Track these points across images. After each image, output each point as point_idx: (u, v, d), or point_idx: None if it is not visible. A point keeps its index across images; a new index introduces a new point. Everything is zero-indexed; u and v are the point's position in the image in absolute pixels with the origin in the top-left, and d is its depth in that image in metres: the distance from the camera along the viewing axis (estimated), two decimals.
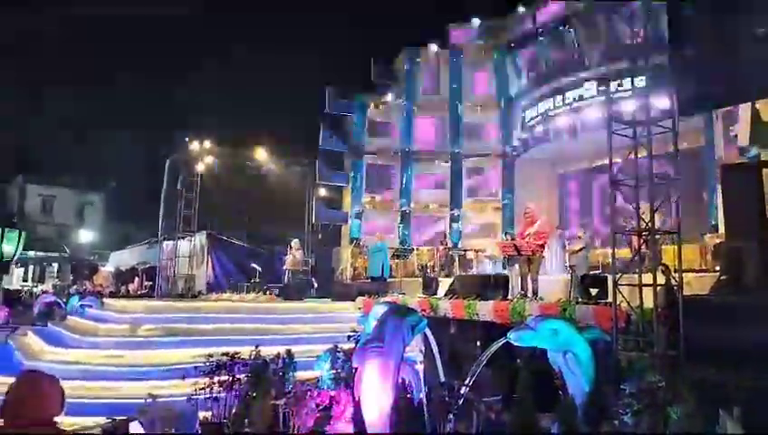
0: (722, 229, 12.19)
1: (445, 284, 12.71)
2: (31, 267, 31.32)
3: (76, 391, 6.43)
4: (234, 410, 5.26)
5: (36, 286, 27.63)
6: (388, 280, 15.28)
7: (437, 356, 5.85)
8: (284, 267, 16.75)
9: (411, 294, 12.58)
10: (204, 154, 20.28)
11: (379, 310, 5.96)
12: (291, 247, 16.67)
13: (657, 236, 7.86)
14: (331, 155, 23.82)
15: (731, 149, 13.29)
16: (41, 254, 30.29)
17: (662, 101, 8.94)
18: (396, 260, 17.76)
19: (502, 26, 23.15)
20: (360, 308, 12.18)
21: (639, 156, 7.84)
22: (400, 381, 5.10)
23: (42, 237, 33.21)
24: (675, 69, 7.75)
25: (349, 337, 6.77)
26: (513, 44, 22.13)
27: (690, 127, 14.07)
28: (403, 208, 23.49)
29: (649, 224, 7.46)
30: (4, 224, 5.90)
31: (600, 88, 16.64)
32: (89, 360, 8.45)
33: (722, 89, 7.35)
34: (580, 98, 17.82)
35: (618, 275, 7.45)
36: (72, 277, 29.38)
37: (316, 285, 16.40)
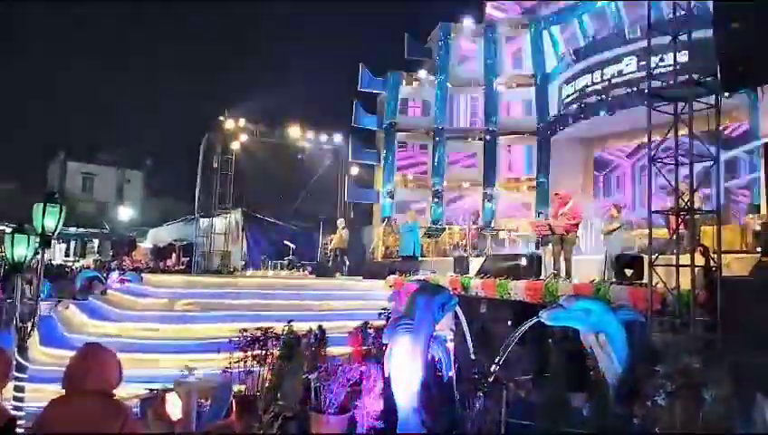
0: (764, 210, 11.78)
1: (476, 263, 12.65)
2: (72, 243, 32.27)
3: None
4: (267, 384, 5.37)
5: (77, 261, 28.49)
6: (420, 259, 15.29)
7: (468, 334, 5.84)
8: (331, 246, 16.94)
9: (442, 273, 12.57)
10: (239, 132, 20.50)
11: (409, 288, 5.97)
12: (337, 226, 16.90)
13: (697, 217, 7.66)
14: (363, 133, 23.82)
15: None
16: (82, 230, 31.13)
17: (704, 77, 8.62)
18: (428, 239, 17.74)
19: (539, 0, 22.62)
20: (391, 286, 12.23)
21: (680, 134, 7.61)
22: (430, 358, 5.13)
23: (82, 214, 34.13)
24: (719, 43, 7.44)
25: (379, 314, 6.82)
26: (550, 19, 21.61)
27: (733, 104, 13.59)
28: (435, 187, 23.37)
29: (689, 203, 7.27)
30: (46, 199, 6.06)
31: (641, 63, 16.15)
32: (128, 333, 8.71)
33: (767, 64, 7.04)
34: (620, 73, 17.33)
35: (654, 256, 7.30)
36: (111, 253, 30.21)
37: (348, 263, 16.53)
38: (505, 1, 24.08)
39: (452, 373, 5.37)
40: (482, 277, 10.74)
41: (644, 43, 9.33)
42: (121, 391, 2.99)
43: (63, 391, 2.86)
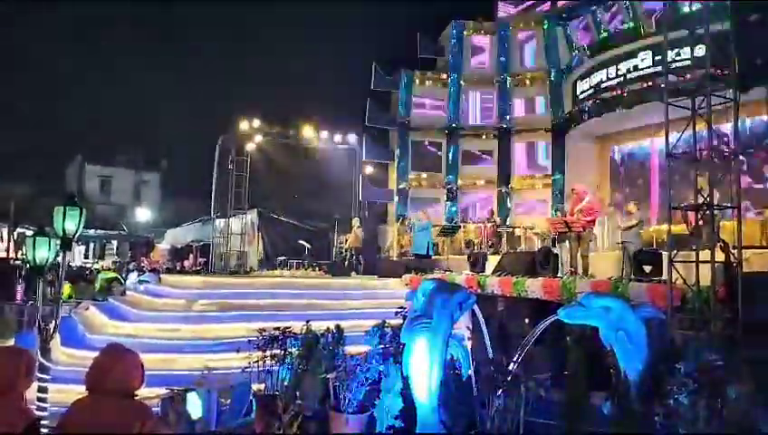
0: None
1: (492, 261, 12.61)
2: (92, 245, 32.66)
3: None
4: (286, 383, 5.39)
5: (96, 263, 28.82)
6: (434, 257, 15.27)
7: (486, 333, 5.83)
8: (346, 246, 17.01)
9: (458, 272, 12.55)
10: (253, 133, 20.62)
11: (426, 287, 5.97)
12: (352, 226, 16.97)
13: (716, 212, 7.59)
14: (377, 132, 23.83)
15: None
16: (100, 232, 31.48)
17: (722, 71, 8.53)
18: (442, 237, 17.71)
19: None
20: (407, 285, 12.24)
21: (698, 128, 7.54)
22: (448, 357, 5.12)
23: (101, 216, 34.52)
24: (737, 37, 7.36)
25: (396, 313, 6.81)
26: (564, 14, 21.45)
27: (752, 98, 13.40)
28: (450, 185, 23.33)
29: (708, 199, 7.20)
30: (66, 202, 6.14)
31: (656, 58, 15.99)
32: (147, 333, 8.81)
33: None
34: (635, 69, 17.17)
35: (673, 252, 7.24)
36: (130, 254, 30.52)
37: (363, 262, 16.56)
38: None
39: (470, 372, 5.37)
40: (498, 275, 10.71)
41: (660, 38, 9.27)
42: (142, 391, 3.03)
43: (86, 391, 2.89)
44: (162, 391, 5.89)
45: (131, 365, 2.93)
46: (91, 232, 29.02)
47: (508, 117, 23.08)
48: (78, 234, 6.37)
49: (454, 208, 23.15)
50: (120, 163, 41.34)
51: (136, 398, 2.93)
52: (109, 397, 2.80)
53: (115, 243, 33.41)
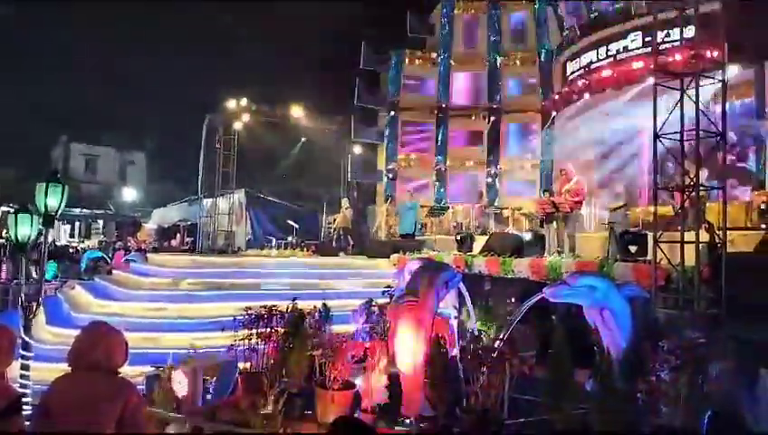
0: None
1: (480, 241, 12.65)
2: (77, 224, 32.41)
3: None
4: (272, 361, 5.39)
5: (82, 242, 28.62)
6: (422, 237, 15.30)
7: (472, 311, 5.86)
8: (335, 226, 16.97)
9: (446, 252, 12.58)
10: (240, 112, 20.39)
11: (413, 266, 5.97)
12: (341, 206, 16.92)
13: (702, 193, 7.63)
14: (366, 112, 23.63)
15: None
16: (86, 211, 31.25)
17: (711, 52, 8.53)
18: (431, 218, 17.73)
19: None
20: (394, 265, 12.26)
21: (686, 109, 7.54)
22: (434, 335, 5.14)
23: (86, 196, 34.21)
24: (726, 17, 7.35)
25: (383, 292, 6.83)
26: None
27: (740, 79, 13.42)
28: (439, 166, 23.30)
29: (694, 180, 7.23)
30: (48, 178, 6.04)
31: (646, 38, 15.95)
32: (134, 312, 8.80)
33: None
34: (625, 49, 17.12)
35: (659, 233, 7.29)
36: (116, 234, 30.34)
37: (351, 242, 16.56)
38: None
39: (456, 350, 5.40)
40: (486, 255, 10.75)
41: (649, 19, 9.24)
42: (127, 370, 3.02)
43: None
44: (148, 369, 5.89)
45: (114, 342, 2.91)
46: (77, 211, 28.78)
47: (498, 97, 23.00)
48: (60, 211, 6.28)
49: (442, 189, 23.14)
50: (105, 142, 40.88)
51: (120, 375, 2.92)
52: (92, 374, 2.78)
53: (101, 222, 33.19)
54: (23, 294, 6.58)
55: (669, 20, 8.87)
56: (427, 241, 14.98)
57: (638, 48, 16.59)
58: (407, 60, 23.72)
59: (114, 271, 12.43)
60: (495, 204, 19.94)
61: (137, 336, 7.45)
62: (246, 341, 5.43)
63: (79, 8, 39.45)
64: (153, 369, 5.79)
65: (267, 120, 21.45)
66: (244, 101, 20.37)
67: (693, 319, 6.16)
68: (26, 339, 5.61)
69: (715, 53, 8.30)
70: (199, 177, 20.81)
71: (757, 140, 14.79)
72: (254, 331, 5.44)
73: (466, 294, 6.19)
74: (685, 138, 7.39)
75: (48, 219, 6.05)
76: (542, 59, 22.18)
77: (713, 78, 7.58)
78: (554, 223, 10.85)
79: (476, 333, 5.14)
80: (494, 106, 22.93)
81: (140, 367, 5.90)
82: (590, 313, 5.14)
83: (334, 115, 23.15)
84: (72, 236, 31.34)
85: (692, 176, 7.27)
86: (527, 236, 11.70)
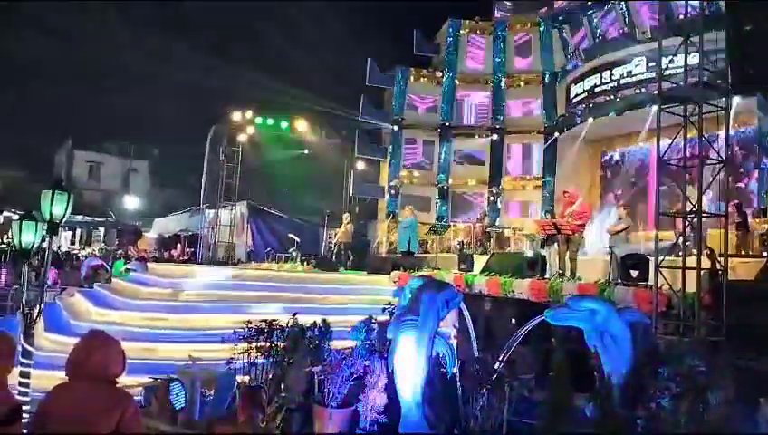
0: None
1: (481, 261, 12.64)
2: (78, 231, 32.41)
3: None
4: (271, 376, 5.38)
5: (83, 249, 28.61)
6: (421, 255, 15.30)
7: (472, 331, 5.85)
8: (335, 240, 16.98)
9: (447, 270, 12.57)
10: (245, 125, 20.51)
11: (414, 284, 5.97)
12: (342, 221, 16.94)
13: (704, 220, 7.65)
14: (370, 128, 23.77)
15: None
16: (87, 218, 31.24)
17: (715, 79, 8.60)
18: (432, 236, 17.73)
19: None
20: (395, 282, 12.24)
21: (689, 136, 7.59)
22: (434, 354, 5.13)
23: (88, 202, 34.25)
24: (731, 45, 7.42)
25: (384, 309, 6.81)
26: (560, 17, 21.52)
27: (743, 107, 13.52)
28: (441, 184, 23.36)
29: (696, 206, 7.26)
30: (54, 186, 6.06)
31: (650, 64, 16.09)
32: (133, 321, 8.75)
33: None
34: (629, 74, 17.26)
35: (660, 258, 7.29)
36: (117, 242, 30.32)
37: (352, 257, 16.55)
38: (514, 1, 24.04)
39: (455, 370, 5.38)
40: (486, 275, 10.74)
41: (654, 44, 9.32)
42: (125, 380, 3.02)
43: (66, 377, 2.87)
44: (146, 379, 5.86)
45: (112, 352, 2.90)
46: (78, 218, 28.79)
47: (501, 118, 23.13)
48: (65, 219, 6.30)
49: (444, 207, 23.18)
50: (109, 150, 41.00)
51: (117, 385, 2.92)
52: (89, 383, 2.78)
53: (102, 230, 33.17)
54: (23, 301, 6.57)
55: (674, 46, 8.94)
56: (428, 259, 14.97)
57: (641, 74, 16.73)
58: (412, 77, 23.89)
59: (114, 279, 12.42)
60: (497, 223, 19.95)
61: (135, 346, 7.43)
62: (246, 354, 5.42)
63: (86, 12, 39.86)
64: (151, 380, 5.77)
65: (272, 133, 21.56)
66: (249, 114, 20.49)
67: (693, 346, 6.15)
68: (26, 346, 5.59)
69: (719, 81, 8.38)
70: (202, 187, 20.88)
71: (758, 167, 14.87)
72: (253, 344, 5.44)
73: (467, 313, 6.19)
74: (688, 164, 7.44)
75: (53, 227, 6.07)
76: (546, 81, 22.33)
77: (716, 105, 7.63)
78: (555, 245, 10.85)
79: (476, 354, 5.13)
80: (498, 126, 23.05)
81: (138, 377, 5.88)
82: (590, 337, 5.13)
83: (338, 130, 23.28)
84: (72, 243, 31.34)
85: (694, 202, 7.30)
86: (528, 257, 11.68)
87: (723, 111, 7.63)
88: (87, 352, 2.84)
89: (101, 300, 10.27)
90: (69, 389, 2.81)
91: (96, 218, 32.33)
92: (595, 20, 19.77)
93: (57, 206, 6.07)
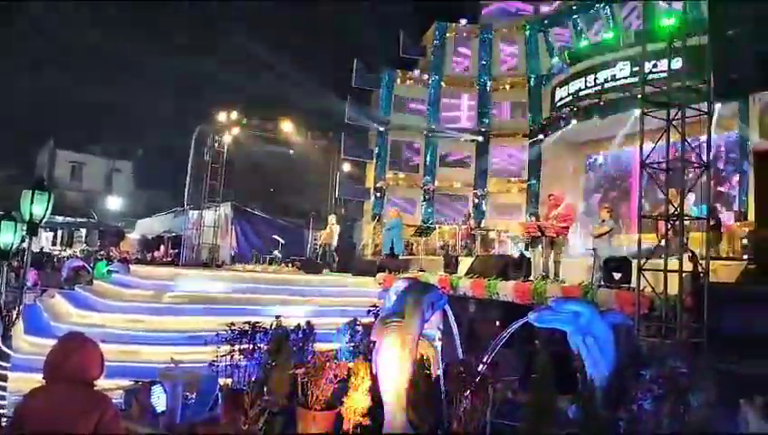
0: (752, 217, 11.90)
1: (466, 263, 12.68)
2: (60, 232, 32.01)
3: None
4: (254, 378, 5.33)
5: (65, 250, 28.26)
6: (407, 257, 15.29)
7: (456, 334, 5.84)
8: (321, 241, 16.93)
9: (432, 272, 12.59)
10: (231, 125, 20.39)
11: (399, 286, 5.96)
12: (328, 223, 16.91)
13: (686, 223, 7.73)
14: (356, 130, 23.76)
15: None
16: (69, 219, 30.88)
17: (698, 84, 8.71)
18: (418, 238, 17.75)
19: (535, 2, 22.74)
20: (380, 283, 12.23)
21: (672, 140, 7.67)
22: (418, 356, 5.11)
23: (70, 203, 33.86)
24: (713, 50, 7.51)
25: (368, 311, 6.79)
26: (546, 21, 21.67)
27: (725, 112, 13.68)
28: (427, 186, 23.41)
29: (678, 209, 7.33)
30: (35, 186, 5.98)
31: (634, 69, 16.24)
32: (114, 323, 8.67)
33: (760, 73, 7.12)
34: (613, 78, 17.40)
35: (643, 261, 7.35)
36: (99, 243, 29.99)
37: (337, 259, 16.52)
38: (499, 3, 24.18)
39: (439, 372, 5.37)
40: (471, 277, 10.77)
41: (638, 49, 9.43)
42: (106, 383, 2.98)
43: (43, 380, 2.83)
44: (127, 382, 5.80)
45: (90, 354, 2.87)
46: (60, 219, 28.43)
47: (487, 120, 23.24)
48: (45, 219, 6.22)
49: (430, 209, 23.23)
50: (92, 150, 40.56)
51: (96, 388, 2.88)
52: (67, 386, 2.74)
53: (84, 231, 32.81)
54: (2, 302, 6.48)
55: (658, 51, 9.03)
56: (413, 261, 14.98)
57: (625, 78, 16.88)
58: (398, 80, 23.93)
59: (96, 281, 12.28)
60: (482, 225, 20.02)
61: (116, 349, 7.35)
62: (228, 357, 5.37)
63: (72, 9, 39.41)
64: (132, 382, 5.70)
65: (257, 133, 21.45)
66: (234, 114, 20.38)
67: (675, 348, 6.20)
68: (4, 349, 5.50)
69: (701, 86, 8.47)
70: (186, 188, 20.71)
71: (740, 170, 15.06)
72: (236, 347, 5.39)
73: (452, 315, 6.18)
74: (670, 167, 7.52)
75: (33, 227, 5.99)
76: (532, 84, 22.47)
77: (698, 110, 7.72)
78: (540, 247, 10.90)
79: (460, 356, 5.13)
80: (483, 129, 23.16)
81: (119, 380, 5.82)
82: (573, 339, 5.15)
83: (324, 131, 23.24)
84: (54, 244, 30.94)
85: (676, 205, 7.37)
86: (513, 259, 11.73)
87: (705, 116, 7.72)
88: (64, 355, 2.80)
89: (82, 302, 10.15)
90: (46, 392, 2.78)
91: (78, 219, 31.98)
92: (580, 24, 19.92)
93: (37, 206, 6.01)
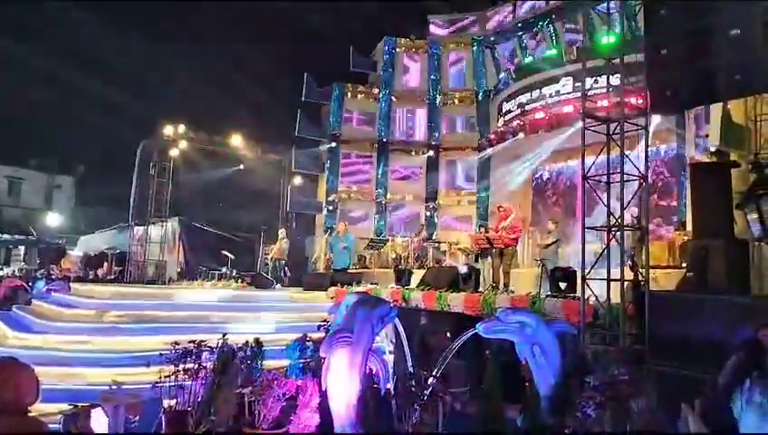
0: (690, 227, 12.40)
1: (418, 275, 12.73)
2: None
3: (39, 377, 6.32)
4: (199, 399, 5.19)
5: (1, 269, 27.00)
6: (360, 270, 15.24)
7: (407, 347, 5.85)
8: (270, 256, 16.68)
9: (384, 285, 12.58)
10: (177, 139, 19.95)
11: (350, 300, 5.93)
12: (278, 237, 16.67)
13: (627, 233, 7.97)
14: (307, 143, 23.67)
15: (701, 148, 13.53)
16: (6, 236, 29.56)
17: (636, 100, 9.05)
18: (370, 251, 17.73)
19: (482, 19, 23.28)
20: (332, 298, 12.14)
21: (612, 153, 7.92)
22: (368, 371, 5.09)
23: (8, 220, 32.43)
24: (649, 68, 7.82)
25: (319, 327, 6.74)
26: (492, 38, 22.18)
27: (663, 126, 14.28)
28: (379, 199, 23.47)
29: (619, 220, 7.56)
30: None
31: (576, 84, 16.76)
32: (53, 345, 8.31)
33: (694, 89, 7.44)
34: (557, 93, 17.94)
35: (586, 270, 7.54)
36: (38, 261, 28.78)
37: (288, 274, 16.33)
38: (447, 19, 24.64)
39: (390, 386, 5.36)
40: (423, 289, 10.81)
41: (579, 65, 9.76)
42: (44, 407, 2.84)
43: None
44: (66, 406, 5.54)
45: (23, 380, 2.75)
46: None
47: (436, 134, 23.54)
48: None
49: (382, 222, 23.28)
50: (31, 166, 38.97)
51: (32, 414, 2.76)
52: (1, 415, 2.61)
53: (23, 248, 31.45)
54: None
55: (597, 67, 9.35)
56: (366, 274, 14.93)
57: (568, 93, 17.43)
58: (349, 94, 24.00)
59: (34, 301, 11.76)
60: (434, 237, 20.19)
61: (55, 371, 7.04)
62: (173, 377, 5.22)
63: (14, 18, 37.99)
64: (71, 407, 5.45)
65: (205, 148, 21.08)
66: (181, 128, 19.96)
67: (618, 355, 6.37)
68: None
69: (639, 101, 8.81)
70: (131, 203, 20.11)
71: (678, 183, 15.69)
72: (180, 367, 5.24)
73: (401, 329, 6.19)
74: (611, 180, 7.76)
75: None
76: (480, 98, 22.92)
77: (636, 124, 8.01)
78: (489, 258, 11.06)
79: (410, 369, 5.13)
80: (433, 142, 23.45)
81: (58, 404, 5.56)
82: (521, 349, 5.23)
83: (274, 145, 23.04)
84: None
85: (617, 216, 7.61)
86: (463, 271, 11.85)
87: (643, 130, 8.02)
88: None
89: (20, 323, 9.73)
90: None
91: (16, 236, 30.62)
92: (525, 41, 20.47)
93: None
